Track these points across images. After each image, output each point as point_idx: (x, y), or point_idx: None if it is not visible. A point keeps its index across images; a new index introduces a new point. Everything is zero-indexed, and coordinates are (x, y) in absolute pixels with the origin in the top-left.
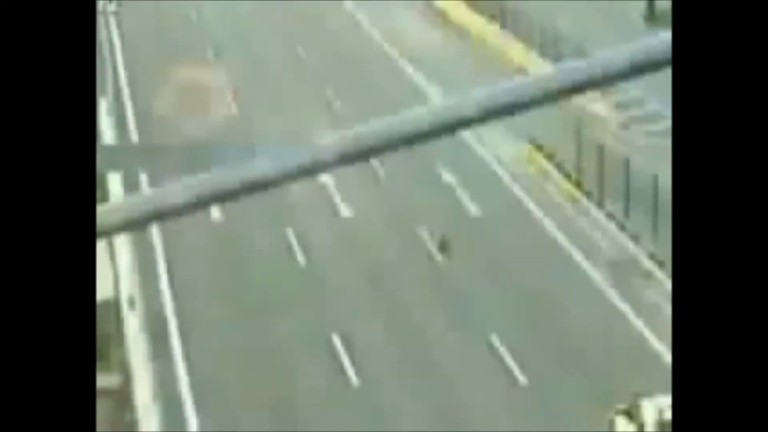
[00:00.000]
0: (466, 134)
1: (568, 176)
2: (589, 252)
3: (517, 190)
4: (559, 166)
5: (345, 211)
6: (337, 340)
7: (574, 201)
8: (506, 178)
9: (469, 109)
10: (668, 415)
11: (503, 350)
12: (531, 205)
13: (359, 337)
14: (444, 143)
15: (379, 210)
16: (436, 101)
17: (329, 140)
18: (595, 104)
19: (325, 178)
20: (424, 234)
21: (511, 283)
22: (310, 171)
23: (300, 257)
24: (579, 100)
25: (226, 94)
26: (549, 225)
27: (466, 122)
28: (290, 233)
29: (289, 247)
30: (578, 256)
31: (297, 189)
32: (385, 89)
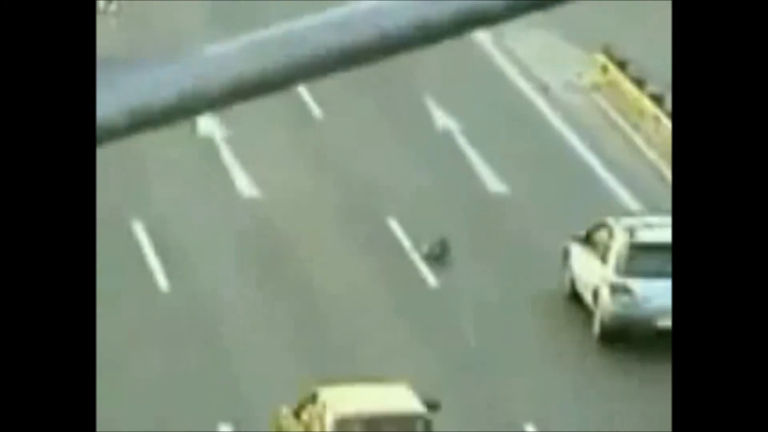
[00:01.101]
0: (482, 38)
1: None
2: None
3: (577, 143)
4: (658, 99)
5: (246, 186)
6: None
7: None
8: (555, 122)
9: None
10: (642, 235)
11: None
12: (603, 173)
13: None
14: (440, 56)
15: (313, 184)
16: None
17: (232, 47)
18: None
19: (210, 125)
20: (400, 232)
21: (564, 324)
22: (192, 108)
23: (159, 277)
24: None
25: None
26: (637, 210)
27: (481, 18)
28: (139, 230)
29: (138, 257)
30: None
31: (153, 145)
32: None
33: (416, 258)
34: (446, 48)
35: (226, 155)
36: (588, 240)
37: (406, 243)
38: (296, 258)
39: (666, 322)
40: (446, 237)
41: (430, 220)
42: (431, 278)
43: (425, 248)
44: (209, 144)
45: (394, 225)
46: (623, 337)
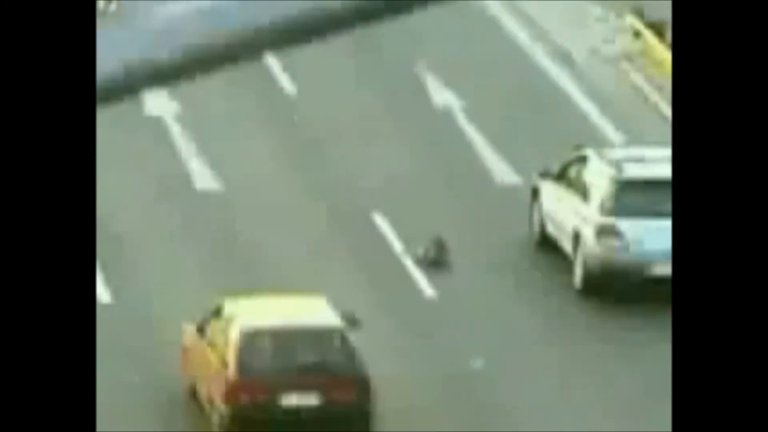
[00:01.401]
0: None
1: None
2: None
3: (604, 124)
4: None
5: (203, 176)
6: None
7: None
8: (578, 98)
9: None
10: (631, 169)
11: None
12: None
13: None
14: (438, 18)
15: (284, 175)
16: None
17: (182, 11)
18: None
19: (165, 105)
20: (390, 233)
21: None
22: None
23: (100, 289)
24: None
25: None
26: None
27: None
28: None
29: None
30: None
31: (103, 131)
32: None
33: (410, 261)
34: (446, 8)
35: (178, 139)
36: (562, 176)
37: (397, 245)
38: (264, 265)
39: (660, 269)
40: (443, 238)
41: (425, 216)
42: (427, 286)
43: (421, 249)
44: (157, 124)
45: (385, 221)
46: (610, 287)
